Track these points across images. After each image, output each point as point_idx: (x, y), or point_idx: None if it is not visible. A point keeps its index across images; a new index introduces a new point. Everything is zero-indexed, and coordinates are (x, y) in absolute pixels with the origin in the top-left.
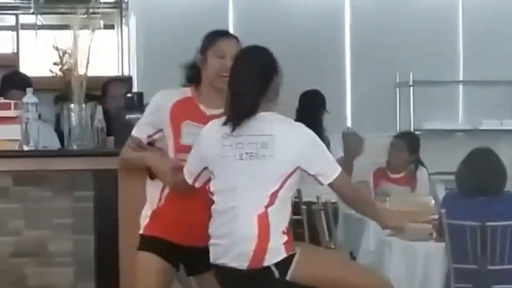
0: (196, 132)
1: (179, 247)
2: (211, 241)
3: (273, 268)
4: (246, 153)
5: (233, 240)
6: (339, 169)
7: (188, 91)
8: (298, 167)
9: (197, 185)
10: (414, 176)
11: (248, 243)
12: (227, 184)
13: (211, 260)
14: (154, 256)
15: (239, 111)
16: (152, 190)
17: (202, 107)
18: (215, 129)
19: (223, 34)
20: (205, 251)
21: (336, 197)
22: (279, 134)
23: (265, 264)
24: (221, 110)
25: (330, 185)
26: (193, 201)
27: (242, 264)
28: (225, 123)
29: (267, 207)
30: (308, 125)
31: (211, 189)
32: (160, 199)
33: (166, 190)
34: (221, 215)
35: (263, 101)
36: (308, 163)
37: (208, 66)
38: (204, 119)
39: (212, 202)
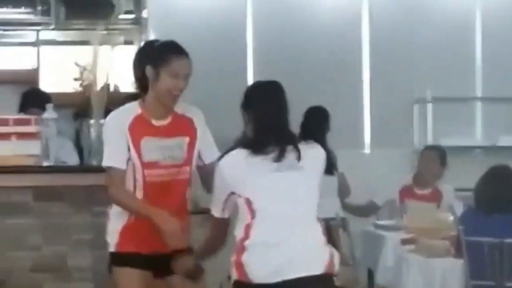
0: (155, 146)
1: (151, 257)
2: (253, 251)
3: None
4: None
5: (303, 247)
6: None
7: (135, 107)
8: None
9: (226, 215)
10: (440, 193)
11: (323, 249)
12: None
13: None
14: (133, 270)
15: (284, 141)
16: (119, 209)
17: (153, 121)
18: (236, 157)
19: (177, 52)
20: (170, 255)
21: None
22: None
23: (335, 270)
24: (168, 121)
25: None
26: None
27: (316, 271)
28: (255, 152)
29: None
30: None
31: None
32: (129, 215)
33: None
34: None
35: None
36: None
37: (159, 83)
38: (159, 133)
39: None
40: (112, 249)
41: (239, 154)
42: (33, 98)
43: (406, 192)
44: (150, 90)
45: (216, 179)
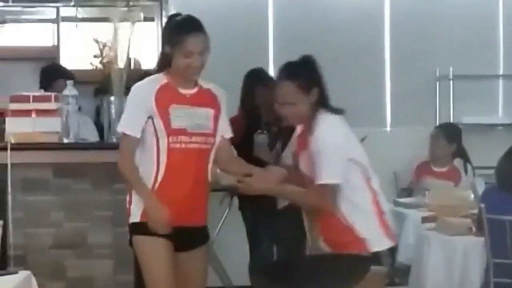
0: (184, 113)
1: (176, 228)
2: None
3: None
4: None
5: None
6: None
7: (162, 78)
8: None
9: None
10: (458, 172)
11: None
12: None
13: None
14: (160, 239)
15: None
16: (144, 176)
17: (180, 89)
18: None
19: (189, 31)
20: (195, 229)
21: None
22: None
23: None
24: (194, 90)
25: None
26: (187, 183)
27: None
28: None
29: None
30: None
31: (375, 189)
32: (154, 185)
33: (160, 176)
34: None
35: None
36: None
37: (175, 62)
38: (187, 101)
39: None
40: (137, 219)
41: (339, 120)
42: (54, 74)
43: (423, 169)
44: (173, 66)
45: (332, 147)
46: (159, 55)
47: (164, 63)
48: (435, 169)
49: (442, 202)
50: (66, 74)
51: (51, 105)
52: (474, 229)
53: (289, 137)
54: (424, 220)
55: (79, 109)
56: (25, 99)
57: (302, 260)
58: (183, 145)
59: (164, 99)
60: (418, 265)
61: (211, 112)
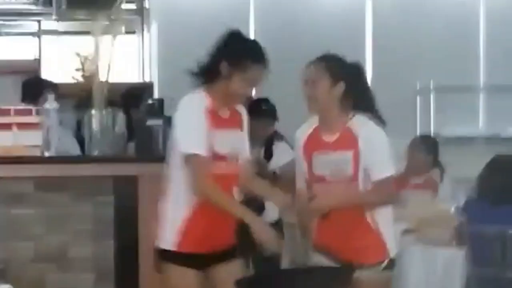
0: (225, 138)
1: (206, 255)
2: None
3: None
4: None
5: None
6: None
7: (203, 97)
8: None
9: None
10: (434, 182)
11: None
12: None
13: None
14: (190, 270)
15: None
16: (179, 204)
17: (219, 112)
18: None
19: (257, 61)
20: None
21: None
22: None
23: None
24: (229, 112)
25: None
26: (222, 211)
27: None
28: None
29: None
30: None
31: None
32: (189, 215)
33: (196, 205)
34: None
35: None
36: None
37: (230, 84)
38: (224, 123)
39: None
40: (170, 247)
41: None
42: (38, 87)
43: (400, 182)
44: (219, 84)
45: (385, 141)
46: (208, 66)
47: (211, 78)
48: (412, 180)
49: (422, 214)
50: (51, 87)
51: (33, 119)
52: (455, 241)
53: (270, 144)
54: (405, 232)
55: (60, 122)
56: (6, 113)
57: (291, 273)
58: (219, 171)
59: (210, 122)
60: (399, 278)
61: (243, 134)
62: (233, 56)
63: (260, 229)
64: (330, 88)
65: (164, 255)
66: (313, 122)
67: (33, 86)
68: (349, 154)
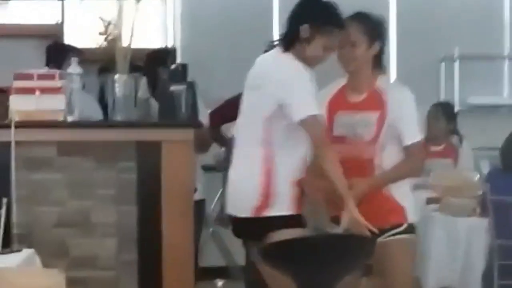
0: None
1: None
2: None
3: None
4: None
5: None
6: None
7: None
8: None
9: None
10: (454, 149)
11: None
12: None
13: None
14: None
15: None
16: (294, 163)
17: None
18: None
19: (339, 26)
20: None
21: None
22: None
23: None
24: None
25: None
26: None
27: None
28: None
29: None
30: None
31: None
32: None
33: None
34: None
35: None
36: None
37: (309, 48)
38: None
39: None
40: (285, 211)
41: None
42: (63, 51)
43: None
44: (297, 48)
45: (413, 106)
46: (290, 29)
47: (291, 42)
48: (432, 148)
49: (447, 183)
50: (74, 52)
51: (55, 83)
52: (478, 210)
53: None
54: (429, 201)
55: (83, 87)
56: (29, 77)
57: (314, 239)
58: None
59: None
60: (422, 244)
61: None
62: (316, 20)
63: (352, 211)
64: (368, 48)
65: (280, 223)
66: (340, 82)
67: (57, 51)
68: (374, 115)
